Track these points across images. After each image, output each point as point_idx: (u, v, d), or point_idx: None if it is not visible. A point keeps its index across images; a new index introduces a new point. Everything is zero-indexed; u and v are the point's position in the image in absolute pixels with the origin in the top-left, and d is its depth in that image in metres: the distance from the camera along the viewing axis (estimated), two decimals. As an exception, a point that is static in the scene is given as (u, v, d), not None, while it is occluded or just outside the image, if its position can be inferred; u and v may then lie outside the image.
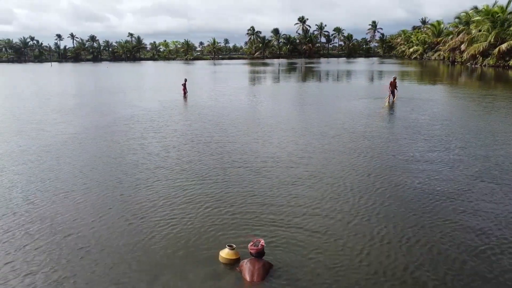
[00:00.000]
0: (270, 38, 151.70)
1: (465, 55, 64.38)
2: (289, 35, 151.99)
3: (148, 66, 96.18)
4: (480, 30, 60.45)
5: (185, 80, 28.03)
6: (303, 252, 6.04)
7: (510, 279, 5.37)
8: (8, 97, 30.08)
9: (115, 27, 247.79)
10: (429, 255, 5.96)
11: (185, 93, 27.32)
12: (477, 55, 60.79)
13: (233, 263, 5.59)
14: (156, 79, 51.35)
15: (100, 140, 14.21)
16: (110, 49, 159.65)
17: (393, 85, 22.10)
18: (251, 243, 5.45)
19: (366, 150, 12.09)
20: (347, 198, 8.25)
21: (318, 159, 11.21)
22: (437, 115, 18.35)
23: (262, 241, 5.46)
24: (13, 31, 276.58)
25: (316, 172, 10.00)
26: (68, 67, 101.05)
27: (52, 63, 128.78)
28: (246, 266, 5.30)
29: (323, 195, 8.40)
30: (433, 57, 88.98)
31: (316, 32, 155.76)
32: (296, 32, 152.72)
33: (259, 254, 5.34)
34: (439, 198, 8.14)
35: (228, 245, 5.70)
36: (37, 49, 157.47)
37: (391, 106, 21.28)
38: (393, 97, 22.37)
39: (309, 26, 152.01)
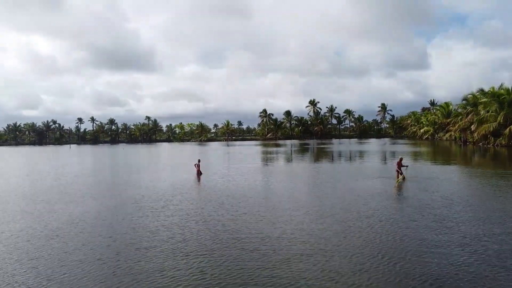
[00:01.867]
0: (282, 120, 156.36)
1: (476, 135, 64.71)
2: (301, 117, 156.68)
3: (163, 148, 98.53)
4: (488, 111, 61.45)
5: (199, 161, 28.46)
6: None
7: None
8: (20, 177, 30.68)
9: (134, 110, 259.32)
10: None
11: (199, 173, 27.55)
12: (488, 135, 61.07)
13: None
14: (169, 160, 52.22)
15: (108, 220, 14.09)
16: (127, 132, 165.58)
17: (399, 165, 23.39)
18: None
19: (377, 232, 11.67)
20: (361, 283, 7.79)
21: (331, 243, 10.79)
22: (450, 195, 17.92)
23: None
24: (37, 115, 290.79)
25: (326, 254, 9.58)
26: (86, 148, 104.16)
27: (71, 145, 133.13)
28: None
29: (333, 279, 7.93)
30: (444, 137, 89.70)
31: (327, 114, 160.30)
32: (308, 114, 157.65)
33: None
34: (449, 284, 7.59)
35: None
36: (58, 132, 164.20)
37: (400, 185, 21.45)
38: (401, 175, 23.19)
39: (320, 108, 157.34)
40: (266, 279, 8.23)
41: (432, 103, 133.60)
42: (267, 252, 10.05)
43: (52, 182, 27.11)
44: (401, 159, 23.99)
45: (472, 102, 69.77)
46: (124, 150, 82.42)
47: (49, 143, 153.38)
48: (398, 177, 22.85)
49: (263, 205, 16.46)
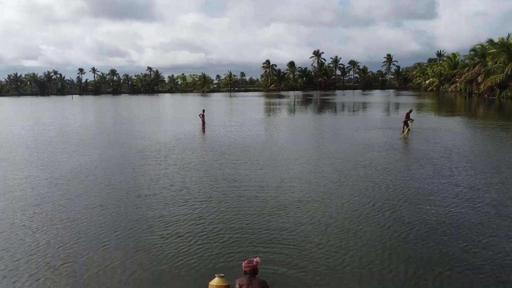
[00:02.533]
0: (285, 71, 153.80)
1: (482, 87, 63.73)
2: (305, 68, 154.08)
3: (166, 99, 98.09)
4: (496, 62, 60.07)
5: (203, 111, 28.18)
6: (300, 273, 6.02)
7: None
8: (29, 127, 30.86)
9: (135, 61, 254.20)
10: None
11: (203, 123, 27.49)
12: (495, 87, 60.13)
13: None
14: (173, 111, 52.13)
15: (111, 169, 14.31)
16: (129, 83, 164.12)
17: (407, 116, 22.63)
18: (246, 261, 5.24)
19: (378, 182, 11.82)
20: (352, 228, 8.07)
21: (328, 191, 10.97)
22: (450, 146, 17.94)
23: (257, 259, 5.30)
24: (37, 66, 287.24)
25: (323, 201, 9.77)
26: (88, 99, 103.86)
27: (73, 96, 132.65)
28: (243, 285, 5.07)
29: (327, 224, 8.15)
30: (449, 89, 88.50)
31: (331, 65, 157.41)
32: (312, 65, 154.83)
33: (254, 271, 5.12)
34: (449, 232, 7.77)
35: (217, 275, 5.48)
36: (59, 83, 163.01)
37: (406, 137, 21.27)
38: (407, 128, 22.63)
39: (324, 59, 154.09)
40: (263, 224, 8.44)
41: (439, 54, 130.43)
42: (265, 199, 10.24)
43: (55, 132, 27.27)
44: (410, 111, 23.41)
45: (480, 53, 67.94)
46: (126, 101, 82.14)
47: (51, 94, 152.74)
48: (404, 130, 22.43)
49: (264, 155, 16.60)
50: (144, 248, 7.35)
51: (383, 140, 20.29)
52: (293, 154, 16.88)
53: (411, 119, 22.65)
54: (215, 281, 5.40)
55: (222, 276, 5.45)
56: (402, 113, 23.75)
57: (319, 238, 7.65)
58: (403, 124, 22.86)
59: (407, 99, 66.82)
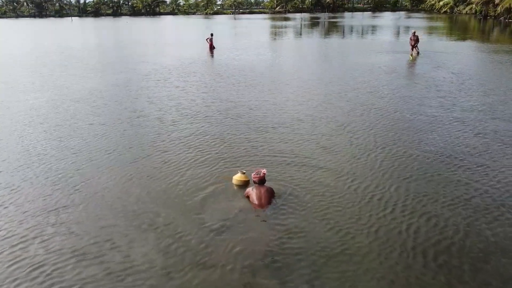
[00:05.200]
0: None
1: (499, 9, 60.86)
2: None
3: (168, 21, 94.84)
4: (516, -19, 56.68)
5: (212, 35, 27.44)
6: (305, 183, 6.75)
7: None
8: (31, 52, 30.46)
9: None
10: (428, 206, 6.00)
11: (211, 47, 26.85)
12: (512, 9, 57.41)
13: (244, 185, 6.56)
14: (178, 35, 50.79)
15: (114, 91, 14.46)
16: (129, 3, 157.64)
17: (414, 40, 22.46)
18: (254, 173, 6.14)
19: (380, 107, 11.94)
20: (353, 148, 8.35)
21: (331, 115, 11.14)
22: (459, 70, 17.73)
23: (264, 170, 6.19)
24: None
25: (327, 125, 10.02)
26: (88, 22, 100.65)
27: (73, 18, 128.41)
28: (252, 192, 6.00)
29: (330, 144, 8.46)
30: (464, 11, 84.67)
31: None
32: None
33: (261, 181, 6.06)
34: (450, 159, 7.92)
35: (240, 171, 6.76)
36: (57, 4, 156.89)
37: (414, 60, 21.18)
38: (414, 50, 22.61)
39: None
40: (261, 140, 8.74)
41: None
42: (266, 117, 10.45)
43: (58, 56, 26.97)
44: (414, 33, 22.80)
45: (500, -29, 63.90)
46: (128, 24, 79.62)
47: (49, 16, 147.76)
48: (411, 53, 22.31)
49: (269, 77, 16.60)
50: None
51: (389, 64, 20.02)
52: (294, 77, 16.82)
53: (415, 46, 22.42)
54: (238, 175, 6.68)
55: (244, 172, 6.73)
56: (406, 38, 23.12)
57: (314, 151, 7.96)
58: (411, 47, 22.66)
59: (417, 22, 64.24)
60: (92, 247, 5.12)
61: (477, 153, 8.12)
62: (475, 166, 7.47)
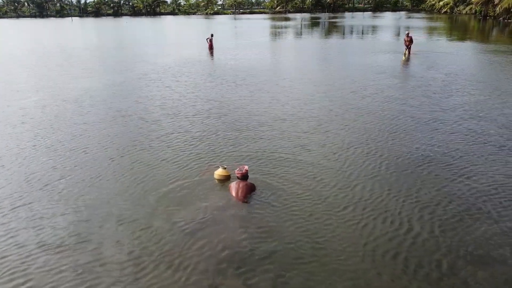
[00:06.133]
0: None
1: (498, 9, 60.64)
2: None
3: (168, 21, 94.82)
4: (516, -19, 56.45)
5: (211, 35, 27.69)
6: (286, 180, 6.85)
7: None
8: (31, 52, 30.44)
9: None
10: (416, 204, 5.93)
11: (211, 48, 27.01)
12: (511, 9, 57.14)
13: (226, 179, 6.78)
14: (177, 35, 50.74)
15: (115, 89, 14.38)
16: (130, 3, 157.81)
17: (408, 40, 22.54)
18: (238, 169, 6.45)
19: (371, 108, 11.83)
20: (339, 148, 8.31)
21: (313, 115, 11.05)
22: (451, 71, 17.60)
23: (246, 167, 6.50)
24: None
25: (315, 125, 9.92)
26: (89, 22, 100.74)
27: (73, 18, 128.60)
28: (233, 186, 6.32)
29: (316, 145, 8.38)
30: (464, 11, 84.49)
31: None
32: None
33: (244, 177, 6.37)
34: (436, 162, 7.74)
35: (221, 166, 6.95)
36: (58, 4, 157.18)
37: (408, 60, 21.15)
38: (409, 52, 22.53)
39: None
40: (241, 138, 8.69)
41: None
42: (250, 116, 10.38)
43: (54, 56, 26.94)
44: (407, 34, 23.00)
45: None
46: (127, 24, 79.63)
47: (50, 16, 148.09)
48: (405, 54, 22.35)
49: (259, 77, 16.53)
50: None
51: (385, 64, 19.91)
52: (285, 77, 16.73)
53: (406, 46, 22.51)
54: (220, 170, 6.86)
55: (225, 168, 6.90)
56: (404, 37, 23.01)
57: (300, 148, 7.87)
58: (405, 47, 22.71)
59: (417, 22, 64.05)
60: (58, 241, 5.16)
61: (448, 152, 8.06)
62: (445, 164, 7.46)
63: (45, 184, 6.81)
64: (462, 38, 35.67)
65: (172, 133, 9.43)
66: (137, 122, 10.46)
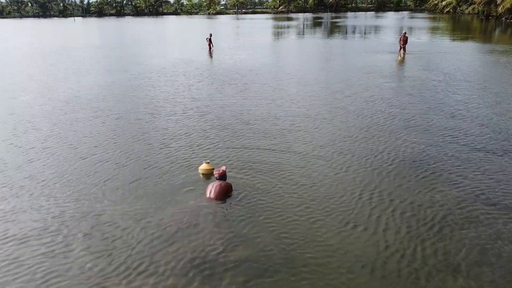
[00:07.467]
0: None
1: (500, 9, 60.43)
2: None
3: (171, 21, 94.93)
4: (518, -19, 56.24)
5: (210, 35, 28.04)
6: (266, 183, 6.86)
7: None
8: (34, 51, 30.59)
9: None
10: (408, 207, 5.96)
11: (210, 47, 27.34)
12: (514, 9, 56.91)
13: (210, 174, 6.92)
14: (179, 35, 50.82)
15: (114, 90, 14.49)
16: (132, 3, 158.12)
17: (403, 41, 23.21)
18: (216, 170, 6.55)
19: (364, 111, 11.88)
20: (322, 151, 8.30)
21: (295, 114, 11.07)
22: (446, 71, 17.57)
23: (223, 167, 6.58)
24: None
25: (302, 128, 9.96)
26: (91, 22, 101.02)
27: (76, 18, 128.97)
28: (209, 186, 6.39)
29: (305, 146, 8.44)
30: (466, 11, 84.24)
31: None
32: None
33: (221, 177, 6.44)
34: (428, 167, 7.62)
35: (204, 161, 7.20)
36: (61, 4, 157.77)
37: (403, 60, 21.36)
38: (404, 52, 23.06)
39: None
40: (222, 136, 8.72)
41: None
42: (234, 115, 10.50)
43: (52, 56, 27.06)
44: (404, 34, 23.44)
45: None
46: (129, 24, 79.81)
47: (53, 16, 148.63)
48: (400, 53, 22.75)
49: (251, 77, 16.61)
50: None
51: (384, 64, 19.93)
52: (276, 78, 16.75)
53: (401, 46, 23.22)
54: (203, 165, 7.10)
55: (208, 162, 7.18)
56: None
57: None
58: (400, 47, 23.34)
59: (419, 22, 63.94)
60: (32, 234, 5.36)
61: (426, 152, 8.07)
62: (425, 164, 7.50)
63: (24, 178, 6.99)
64: (463, 38, 35.58)
65: (156, 132, 9.75)
66: (118, 122, 10.65)
